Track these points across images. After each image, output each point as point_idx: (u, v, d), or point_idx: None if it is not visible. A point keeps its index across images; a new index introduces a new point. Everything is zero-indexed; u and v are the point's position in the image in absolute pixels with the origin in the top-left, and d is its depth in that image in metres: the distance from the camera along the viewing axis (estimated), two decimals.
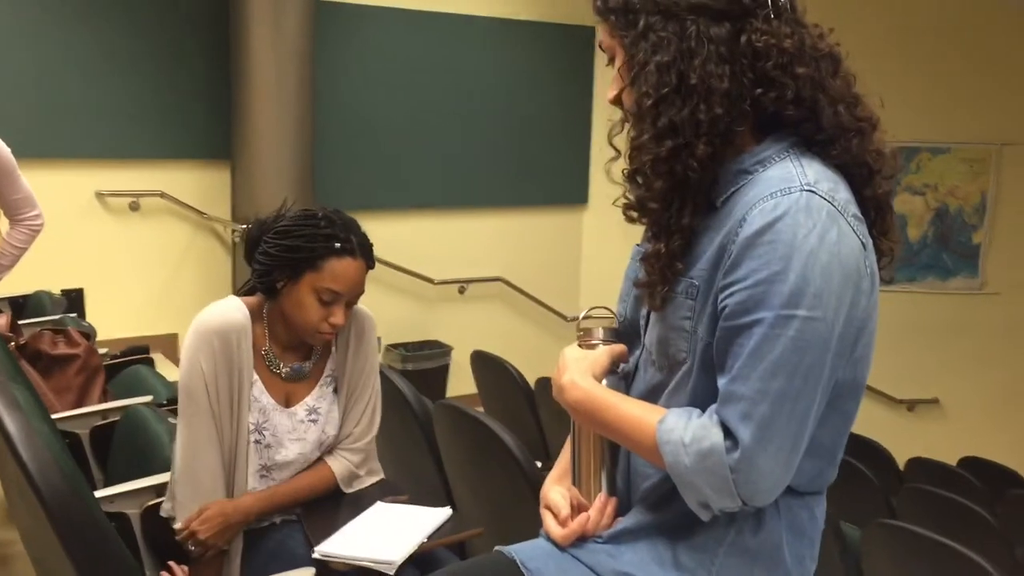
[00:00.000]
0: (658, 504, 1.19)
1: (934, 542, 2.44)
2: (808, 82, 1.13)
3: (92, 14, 4.70)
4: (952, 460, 5.73)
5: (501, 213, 6.24)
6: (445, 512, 1.83)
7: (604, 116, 5.85)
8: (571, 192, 6.54)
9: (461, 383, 5.66)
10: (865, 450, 4.80)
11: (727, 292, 1.10)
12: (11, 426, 1.48)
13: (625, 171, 1.18)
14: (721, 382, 1.10)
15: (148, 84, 4.89)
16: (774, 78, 1.12)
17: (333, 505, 1.92)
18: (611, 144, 1.27)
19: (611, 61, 1.23)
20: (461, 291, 6.03)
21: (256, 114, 4.99)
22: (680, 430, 1.10)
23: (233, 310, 1.87)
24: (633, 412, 1.17)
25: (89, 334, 2.65)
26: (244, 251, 1.95)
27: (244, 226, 4.98)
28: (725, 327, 1.10)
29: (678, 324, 1.17)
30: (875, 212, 1.17)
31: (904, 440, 5.77)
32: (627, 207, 1.22)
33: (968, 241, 6.78)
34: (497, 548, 1.31)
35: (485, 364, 4.37)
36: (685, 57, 1.11)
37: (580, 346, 1.29)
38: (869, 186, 1.16)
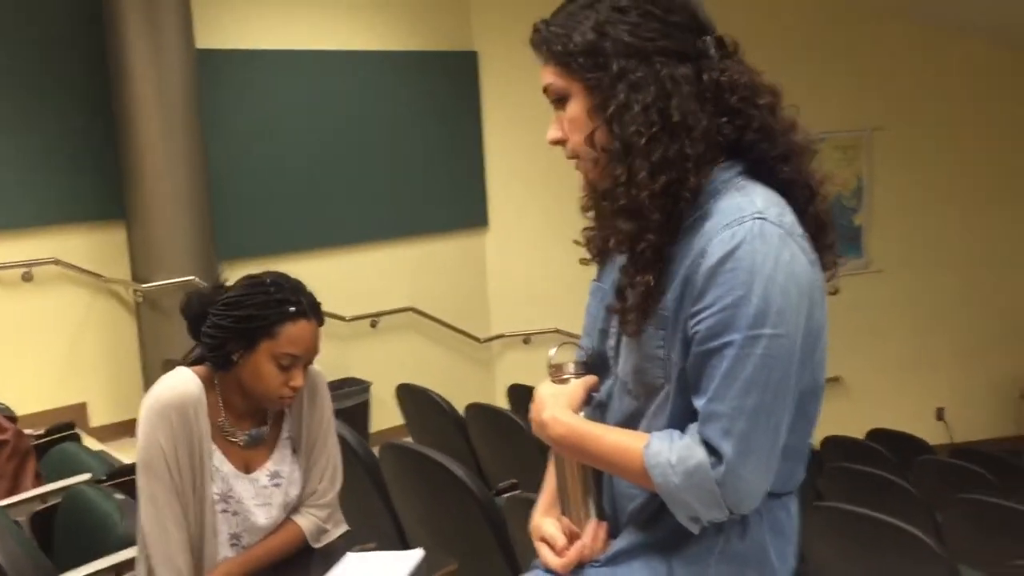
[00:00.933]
0: (648, 523, 1.25)
1: (870, 518, 2.59)
2: (768, 111, 1.22)
3: None
4: (860, 434, 6.02)
5: (405, 243, 6.25)
6: (418, 554, 1.85)
7: (496, 138, 6.01)
8: (471, 216, 6.60)
9: (383, 417, 5.66)
10: None
11: (697, 319, 1.17)
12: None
13: (611, 207, 1.22)
14: (699, 403, 1.17)
15: (31, 149, 4.74)
16: (739, 109, 1.20)
17: (304, 562, 1.93)
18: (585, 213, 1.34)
19: (558, 102, 1.27)
20: (373, 325, 6.02)
21: (147, 170, 4.88)
22: (666, 452, 1.17)
23: (187, 382, 1.85)
24: (618, 440, 1.23)
25: (14, 417, 2.56)
26: (188, 327, 1.93)
27: (146, 286, 4.91)
28: (698, 351, 1.17)
29: (652, 353, 1.23)
30: (817, 228, 1.26)
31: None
32: (606, 242, 1.28)
33: (850, 224, 7.12)
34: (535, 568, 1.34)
35: (411, 396, 4.38)
36: (664, 97, 1.18)
37: (553, 382, 1.33)
38: (812, 204, 1.26)
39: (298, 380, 1.86)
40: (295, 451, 1.97)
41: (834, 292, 1.27)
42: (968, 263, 7.13)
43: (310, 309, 1.88)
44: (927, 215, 7.05)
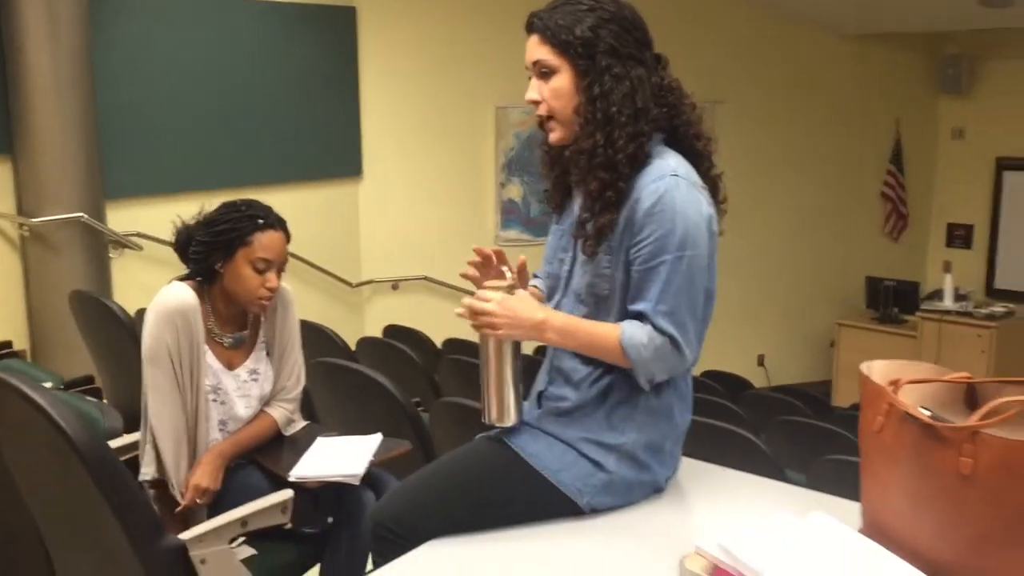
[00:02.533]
0: (590, 387, 1.73)
1: (712, 426, 3.19)
2: (689, 108, 1.70)
3: None
4: (696, 374, 6.76)
5: (282, 188, 6.47)
6: (378, 437, 2.28)
7: (371, 92, 6.38)
8: (346, 165, 6.89)
9: None
10: None
11: (638, 247, 1.66)
12: (42, 401, 1.77)
13: (589, 163, 1.66)
14: (645, 305, 1.65)
15: None
16: (674, 104, 1.71)
17: (278, 446, 2.31)
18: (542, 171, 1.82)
19: (543, 74, 1.71)
20: None
21: (36, 107, 4.92)
22: (639, 335, 1.65)
23: (185, 292, 2.19)
24: (594, 326, 1.69)
25: None
26: (178, 253, 2.27)
27: (33, 220, 4.98)
28: (640, 269, 1.66)
29: (602, 272, 1.72)
30: (712, 187, 1.78)
31: None
32: (591, 192, 1.69)
33: None
34: (480, 435, 1.80)
35: (306, 333, 4.71)
36: (633, 90, 1.66)
37: (508, 294, 1.72)
38: (711, 170, 1.78)
39: (272, 281, 2.24)
40: (269, 354, 2.35)
41: (721, 233, 1.78)
42: (789, 231, 8.02)
43: (278, 223, 2.27)
44: (757, 184, 7.85)
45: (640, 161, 1.67)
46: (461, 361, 4.17)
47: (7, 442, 2.09)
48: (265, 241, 2.22)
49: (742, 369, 7.43)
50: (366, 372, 2.89)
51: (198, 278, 2.26)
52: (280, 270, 2.29)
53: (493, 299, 1.67)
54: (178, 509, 2.15)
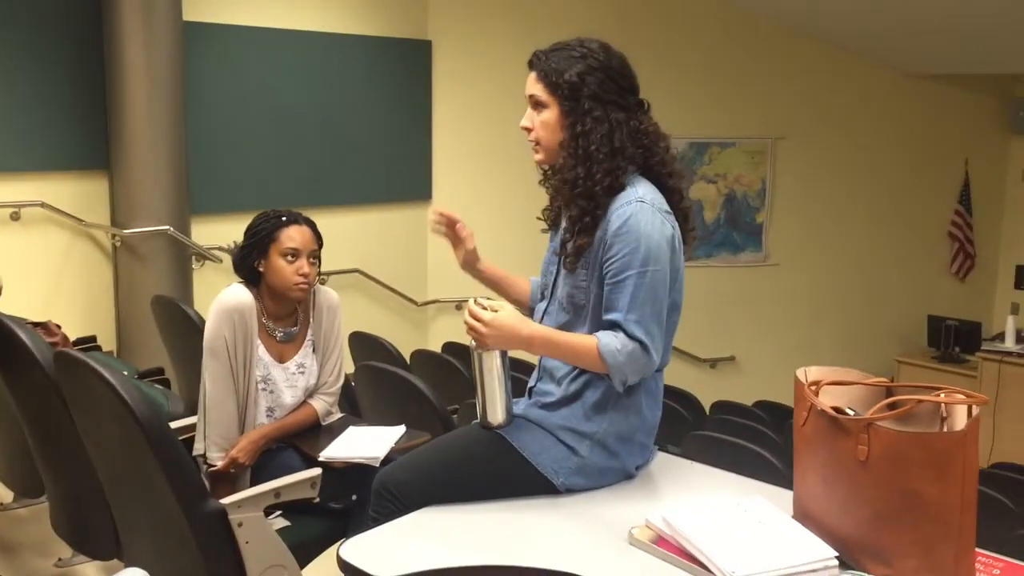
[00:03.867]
0: (571, 383, 1.98)
1: (730, 442, 3.37)
2: (664, 149, 1.97)
3: None
4: (748, 403, 6.87)
5: (356, 209, 6.89)
6: (401, 428, 2.56)
7: (443, 121, 6.78)
8: (417, 189, 7.27)
9: None
10: (678, 397, 5.81)
11: (608, 263, 1.91)
12: (114, 381, 2.10)
13: (571, 192, 1.93)
14: (616, 315, 1.89)
15: (27, 99, 5.20)
16: (648, 146, 1.96)
17: (315, 433, 2.62)
18: (544, 186, 2.07)
19: (536, 106, 1.99)
20: (323, 281, 6.62)
21: (131, 126, 5.40)
22: (614, 343, 1.88)
23: (242, 292, 2.53)
24: (574, 338, 1.94)
25: (58, 325, 3.15)
26: (235, 269, 2.61)
27: (124, 231, 5.44)
28: (611, 283, 1.91)
29: (580, 284, 1.98)
30: (683, 219, 2.03)
31: (710, 392, 6.83)
32: (572, 216, 1.95)
33: (753, 221, 7.97)
34: (475, 422, 2.06)
35: (362, 343, 5.04)
36: (611, 131, 1.91)
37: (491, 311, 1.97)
38: (681, 203, 2.03)
39: (304, 267, 2.55)
40: (315, 350, 2.66)
41: (688, 259, 2.02)
42: (849, 266, 8.07)
43: (301, 219, 2.63)
44: (818, 219, 7.95)
45: (615, 190, 1.92)
46: None
47: (82, 415, 2.44)
48: (291, 233, 2.56)
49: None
50: (404, 375, 3.18)
51: (249, 281, 2.58)
52: (311, 259, 2.59)
53: (483, 317, 1.88)
54: (212, 469, 2.46)
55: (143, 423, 2.08)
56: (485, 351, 1.92)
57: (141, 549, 2.41)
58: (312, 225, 2.66)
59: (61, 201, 5.44)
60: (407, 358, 5.13)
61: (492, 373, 1.93)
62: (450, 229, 2.26)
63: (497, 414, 1.96)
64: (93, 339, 3.62)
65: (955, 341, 7.68)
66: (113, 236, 5.53)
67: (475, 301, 1.93)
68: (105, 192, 5.57)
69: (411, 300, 7.21)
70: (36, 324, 3.08)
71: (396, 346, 5.07)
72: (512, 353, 2.00)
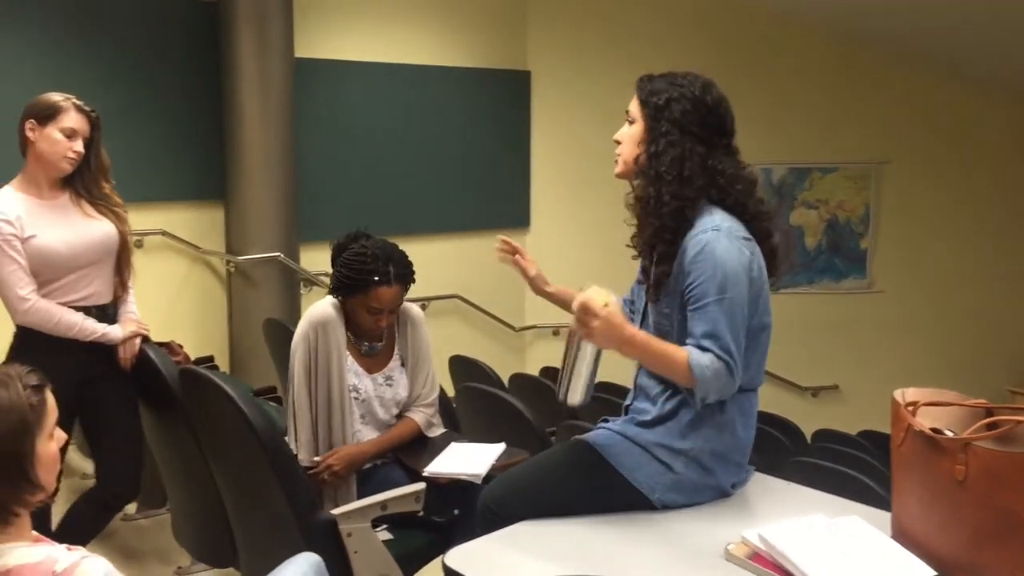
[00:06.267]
0: (665, 403, 2.03)
1: (831, 469, 3.34)
2: (743, 193, 2.02)
3: (101, 74, 5.33)
4: (853, 433, 6.71)
5: (456, 237, 7.05)
6: (502, 446, 2.64)
7: (541, 151, 6.89)
8: (515, 217, 7.39)
9: None
10: (779, 425, 5.73)
11: (688, 290, 1.96)
12: (237, 397, 2.25)
13: (644, 215, 2.00)
14: (700, 340, 1.92)
15: (147, 135, 5.53)
16: (723, 186, 2.01)
17: (419, 448, 2.73)
18: (630, 209, 2.14)
19: (629, 121, 2.07)
20: (423, 307, 6.78)
21: (245, 159, 5.68)
22: (703, 358, 1.91)
23: (327, 307, 2.68)
24: (667, 346, 1.97)
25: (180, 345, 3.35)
26: (332, 262, 2.75)
27: (238, 257, 5.71)
28: (692, 309, 1.95)
29: (663, 312, 2.04)
30: (770, 256, 2.06)
31: (811, 421, 6.71)
32: (646, 242, 2.03)
33: (856, 247, 7.82)
34: (574, 437, 2.12)
35: (462, 366, 5.15)
36: (682, 158, 1.98)
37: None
38: (768, 241, 2.06)
39: (383, 322, 2.68)
40: (403, 364, 2.77)
41: (777, 289, 2.06)
42: (956, 293, 7.82)
43: (395, 278, 2.66)
44: (922, 243, 7.74)
45: (685, 218, 1.98)
46: (600, 399, 4.47)
47: (204, 428, 2.60)
48: (381, 295, 2.64)
49: None
50: (504, 396, 3.27)
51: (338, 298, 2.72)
52: (392, 312, 2.69)
53: (598, 310, 1.87)
54: (310, 472, 2.59)
55: (262, 436, 2.23)
56: (588, 341, 1.95)
57: (257, 557, 2.55)
58: (404, 279, 2.69)
59: (180, 229, 5.75)
60: (505, 381, 5.23)
61: (585, 359, 1.98)
62: (513, 256, 2.41)
63: (577, 394, 2.00)
64: (211, 359, 3.83)
65: None
66: (228, 262, 5.81)
67: (592, 289, 1.95)
68: (221, 221, 5.86)
69: (509, 326, 7.32)
70: (160, 344, 3.28)
71: (496, 369, 5.17)
72: (605, 375, 2.06)
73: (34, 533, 1.46)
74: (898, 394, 1.72)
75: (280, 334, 4.37)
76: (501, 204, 7.33)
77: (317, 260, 6.10)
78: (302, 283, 6.09)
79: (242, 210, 5.77)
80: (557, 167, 7.45)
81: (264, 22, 5.57)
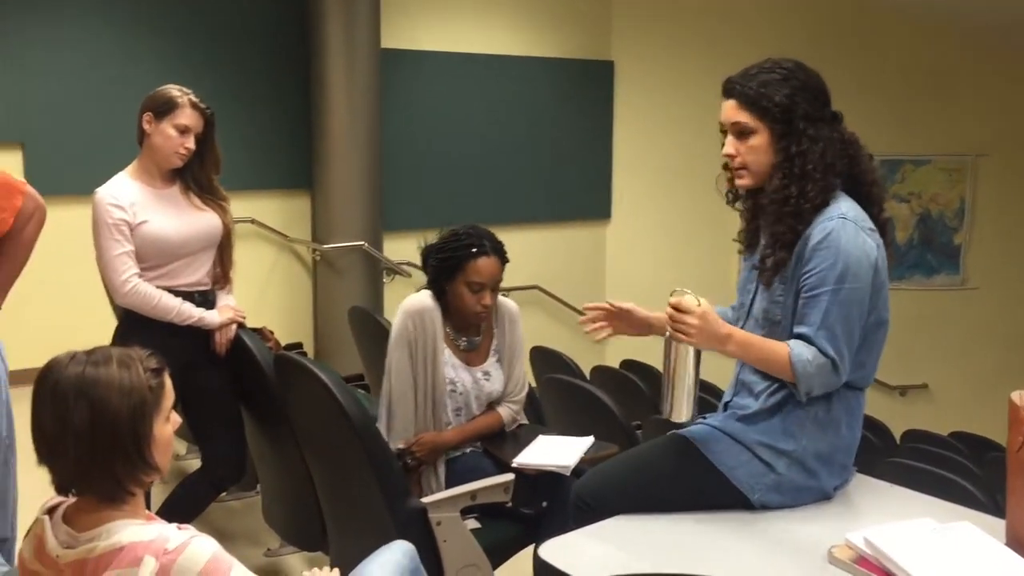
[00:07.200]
0: (769, 398, 1.98)
1: (926, 471, 3.24)
2: (868, 156, 1.96)
3: (194, 63, 5.45)
4: (944, 433, 6.51)
5: (536, 227, 7.04)
6: (590, 439, 2.62)
7: (623, 141, 6.83)
8: (596, 208, 7.35)
9: None
10: (866, 424, 5.58)
11: (805, 276, 1.90)
12: (329, 381, 2.27)
13: (780, 210, 1.93)
14: (807, 329, 1.88)
15: (240, 125, 5.64)
16: (853, 155, 1.96)
17: (504, 438, 2.73)
18: (732, 206, 2.10)
19: (740, 134, 1.98)
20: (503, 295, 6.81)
21: (332, 148, 5.77)
22: (805, 354, 1.87)
23: (426, 298, 2.68)
24: (768, 342, 1.93)
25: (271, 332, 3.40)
26: (423, 267, 2.75)
27: (324, 246, 5.80)
28: (806, 296, 1.90)
29: (776, 299, 1.98)
30: (882, 231, 1.99)
31: (899, 421, 6.53)
32: (776, 233, 1.96)
33: (949, 242, 7.58)
34: (671, 432, 2.09)
35: (543, 358, 5.14)
36: (825, 149, 1.92)
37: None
38: (882, 215, 2.00)
39: (487, 300, 2.64)
40: (499, 360, 2.77)
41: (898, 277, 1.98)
42: None
43: (492, 250, 2.66)
44: (1022, 240, 7.46)
45: (822, 207, 1.92)
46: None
47: (298, 414, 2.64)
48: (479, 266, 2.63)
49: (998, 434, 7.04)
50: (590, 389, 3.25)
51: (434, 291, 2.72)
52: (495, 290, 2.68)
53: (694, 310, 1.85)
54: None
55: (355, 423, 2.25)
56: (684, 344, 1.90)
57: (345, 542, 2.58)
58: (500, 253, 2.69)
59: (268, 218, 5.87)
60: (587, 373, 5.20)
61: (686, 368, 1.91)
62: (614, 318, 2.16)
63: (683, 411, 1.94)
64: (300, 345, 3.89)
65: None
66: (313, 251, 5.91)
67: (681, 291, 1.90)
68: (307, 210, 5.96)
69: None
70: (254, 330, 3.34)
71: (578, 359, 5.15)
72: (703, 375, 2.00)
73: (147, 512, 1.49)
74: (1016, 396, 1.65)
75: (365, 322, 4.41)
76: (582, 195, 7.30)
77: (400, 249, 6.16)
78: (385, 272, 6.16)
79: (328, 199, 5.86)
80: (640, 158, 7.38)
81: (352, 13, 5.64)
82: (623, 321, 2.18)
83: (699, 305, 1.86)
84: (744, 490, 1.95)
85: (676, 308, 1.86)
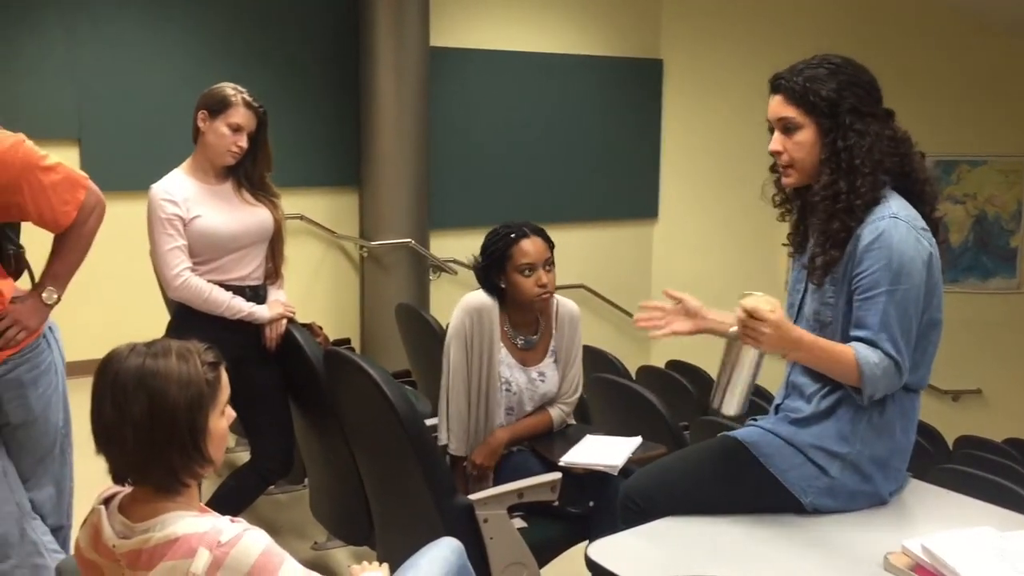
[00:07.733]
0: (822, 400, 1.94)
1: (975, 476, 3.17)
2: (918, 156, 1.92)
3: (245, 61, 5.51)
4: (998, 440, 6.37)
5: (583, 226, 7.02)
6: (638, 439, 2.61)
7: (672, 141, 6.78)
8: (644, 208, 7.31)
9: None
10: (919, 430, 5.48)
11: (858, 278, 1.87)
12: (380, 380, 2.28)
13: (831, 207, 1.89)
14: (867, 333, 1.84)
15: (291, 123, 5.70)
16: (904, 153, 1.92)
17: (551, 437, 2.73)
18: (774, 203, 2.07)
19: (786, 129, 1.96)
20: None
21: (380, 147, 5.80)
22: (871, 356, 1.83)
23: (485, 296, 2.69)
24: (834, 345, 1.88)
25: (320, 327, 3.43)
26: (481, 285, 2.75)
27: (371, 243, 5.83)
28: (860, 299, 1.86)
29: (827, 300, 1.94)
30: (934, 229, 1.94)
31: (951, 426, 6.39)
32: (826, 231, 1.92)
33: (1006, 245, 7.40)
34: (722, 434, 2.07)
35: (589, 356, 5.12)
36: (871, 145, 1.88)
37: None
38: (933, 213, 1.96)
39: (542, 279, 2.64)
40: (556, 361, 2.76)
41: (942, 272, 1.93)
42: None
43: (530, 230, 2.68)
44: None
45: (873, 204, 1.88)
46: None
47: (347, 409, 2.66)
48: (523, 248, 2.65)
49: None
50: (638, 389, 3.23)
51: (493, 295, 2.72)
52: (547, 267, 2.67)
53: (768, 316, 1.78)
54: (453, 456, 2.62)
55: (404, 420, 2.25)
56: (752, 347, 1.86)
57: (392, 537, 2.59)
58: (541, 232, 2.71)
59: (317, 214, 5.92)
60: (632, 373, 5.17)
61: (745, 366, 1.87)
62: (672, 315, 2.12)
63: (733, 404, 1.91)
64: (348, 341, 3.92)
65: None
66: (361, 247, 5.95)
67: (754, 296, 1.84)
68: (355, 207, 6.01)
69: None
70: (303, 325, 3.36)
71: (624, 360, 5.13)
72: None
73: (200, 504, 1.51)
74: None
75: (411, 319, 4.43)
76: (629, 194, 7.27)
77: (446, 247, 6.18)
78: (431, 269, 6.18)
79: (376, 196, 5.89)
80: (688, 158, 7.33)
81: (401, 11, 5.67)
82: (681, 317, 2.13)
83: (772, 311, 1.81)
84: (796, 493, 1.93)
85: (751, 315, 1.80)
